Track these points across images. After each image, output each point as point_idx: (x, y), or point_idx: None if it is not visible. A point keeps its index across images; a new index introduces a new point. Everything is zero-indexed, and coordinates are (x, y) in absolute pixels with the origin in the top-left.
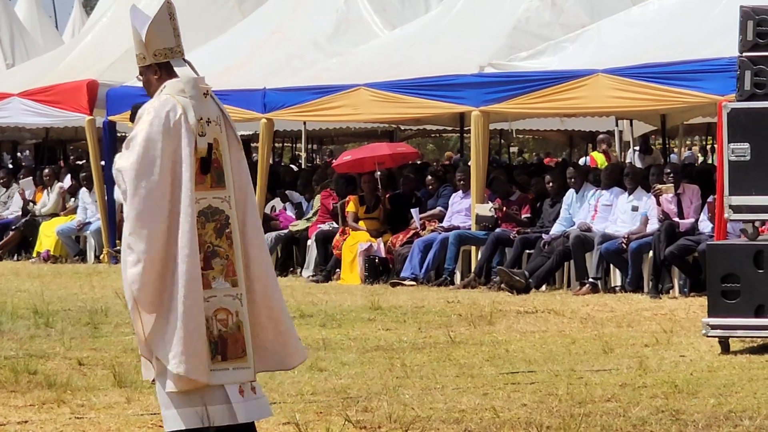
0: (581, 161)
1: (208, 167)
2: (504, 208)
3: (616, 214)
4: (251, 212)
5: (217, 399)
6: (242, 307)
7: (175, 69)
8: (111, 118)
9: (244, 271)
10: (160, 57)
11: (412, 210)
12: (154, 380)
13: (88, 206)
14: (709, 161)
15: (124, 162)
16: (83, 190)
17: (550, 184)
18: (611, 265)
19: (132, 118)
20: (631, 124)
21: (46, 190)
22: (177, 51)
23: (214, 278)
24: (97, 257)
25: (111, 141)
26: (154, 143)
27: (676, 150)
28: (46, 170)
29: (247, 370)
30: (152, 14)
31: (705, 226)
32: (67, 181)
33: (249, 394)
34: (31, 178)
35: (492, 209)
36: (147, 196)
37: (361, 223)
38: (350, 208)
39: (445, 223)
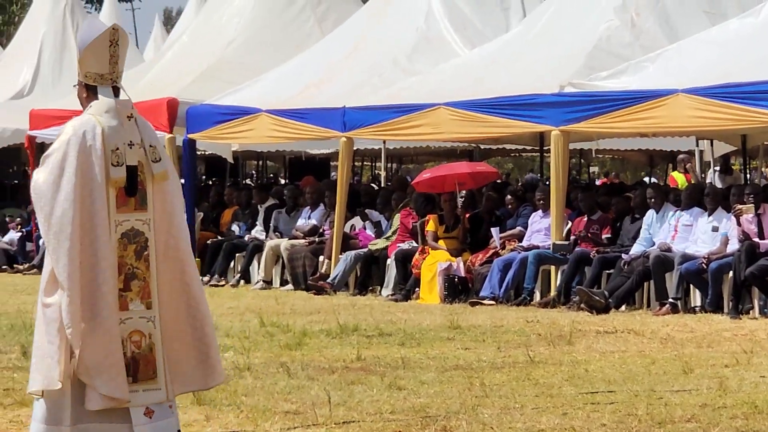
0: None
1: (134, 190)
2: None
3: (696, 234)
4: (175, 235)
5: (118, 419)
6: (155, 329)
7: (99, 95)
8: (191, 136)
9: (159, 294)
10: (89, 79)
11: (492, 229)
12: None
13: None
14: None
15: (39, 179)
16: None
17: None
18: (691, 286)
19: None
20: (712, 144)
21: None
22: (107, 78)
23: (132, 300)
24: None
25: (191, 159)
26: (69, 163)
27: (756, 170)
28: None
29: (157, 391)
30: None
31: None
32: None
33: (162, 413)
34: None
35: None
36: (62, 215)
37: (441, 243)
38: (430, 227)
39: (524, 243)
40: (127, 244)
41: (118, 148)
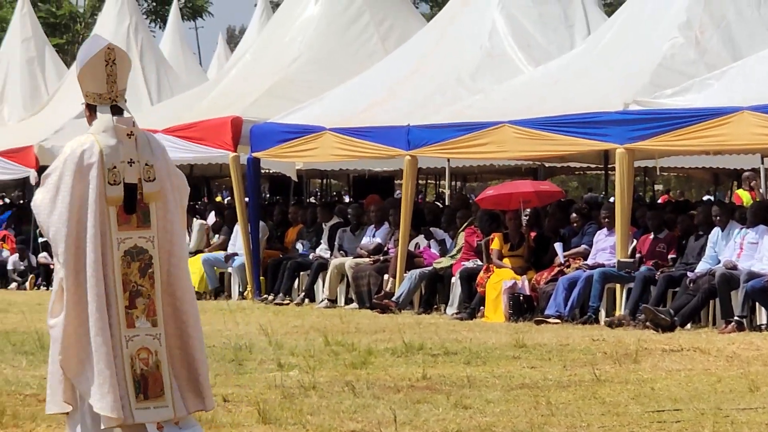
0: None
1: (133, 207)
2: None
3: (762, 252)
4: (177, 254)
5: None
6: (161, 346)
7: (98, 114)
8: (255, 154)
9: (165, 312)
10: (89, 99)
11: (556, 244)
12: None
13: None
14: None
15: (37, 198)
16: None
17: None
18: (757, 303)
19: None
20: None
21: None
22: (106, 97)
23: (137, 317)
24: (240, 293)
25: (255, 177)
26: (64, 182)
27: None
28: None
29: (165, 408)
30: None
31: None
32: (212, 218)
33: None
34: None
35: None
36: (56, 233)
37: (506, 261)
38: (495, 245)
39: (589, 261)
40: (130, 261)
41: (115, 167)
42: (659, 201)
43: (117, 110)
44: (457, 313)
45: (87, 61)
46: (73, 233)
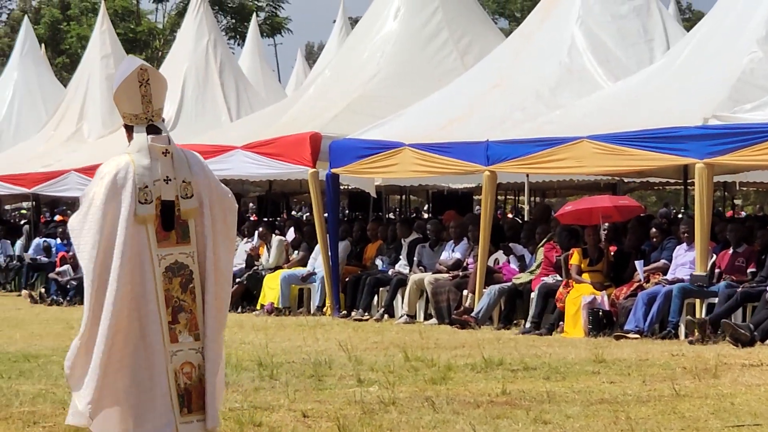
0: None
1: (171, 224)
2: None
3: None
4: (216, 268)
5: None
6: (203, 360)
7: (134, 135)
8: (334, 170)
9: (206, 325)
10: (126, 120)
11: (636, 263)
12: None
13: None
14: None
15: (72, 218)
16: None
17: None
18: None
19: None
20: None
21: (265, 245)
22: (142, 117)
23: (180, 332)
24: (319, 308)
25: (334, 193)
26: (96, 202)
27: None
28: (261, 227)
29: (202, 422)
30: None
31: None
32: (291, 234)
33: None
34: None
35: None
36: (84, 252)
37: (585, 276)
38: (574, 260)
39: (669, 276)
40: (171, 277)
41: (146, 186)
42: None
43: (154, 129)
44: (532, 328)
45: (121, 83)
46: (100, 255)
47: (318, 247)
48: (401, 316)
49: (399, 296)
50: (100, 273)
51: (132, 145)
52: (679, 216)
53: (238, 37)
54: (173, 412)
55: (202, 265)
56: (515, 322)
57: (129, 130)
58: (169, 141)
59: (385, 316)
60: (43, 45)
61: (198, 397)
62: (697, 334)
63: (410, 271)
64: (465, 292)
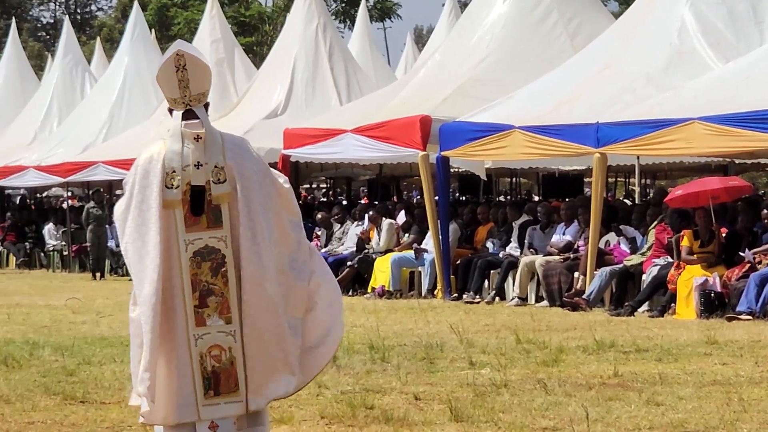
0: None
1: (200, 209)
2: None
3: None
4: (256, 250)
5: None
6: (236, 343)
7: (173, 118)
8: (444, 153)
9: (245, 308)
10: (168, 103)
11: (746, 253)
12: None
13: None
14: None
15: (116, 208)
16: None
17: None
18: None
19: None
20: None
21: (376, 228)
22: (180, 102)
23: (209, 315)
24: (430, 291)
25: (444, 176)
26: (133, 188)
27: None
28: (371, 211)
29: (239, 403)
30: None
31: None
32: (401, 217)
33: (227, 428)
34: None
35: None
36: (123, 241)
37: (696, 258)
38: (685, 242)
39: None
40: (200, 261)
41: (174, 171)
42: None
43: (191, 114)
44: (648, 310)
45: (160, 68)
46: (138, 241)
47: (430, 234)
48: (512, 299)
49: (510, 279)
50: (134, 258)
51: (170, 129)
52: None
53: (347, 21)
54: (195, 395)
55: (237, 250)
56: (626, 304)
57: (171, 113)
58: (202, 126)
59: (496, 298)
60: (152, 30)
61: (228, 380)
62: None
63: (521, 253)
64: (576, 274)
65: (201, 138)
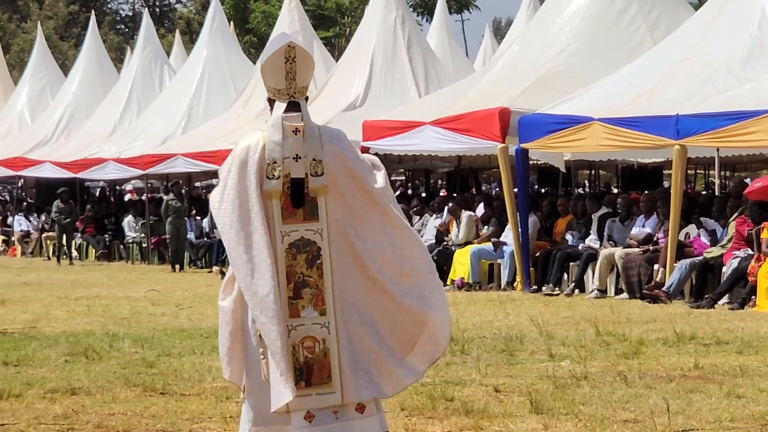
0: None
1: (300, 201)
2: None
3: None
4: (351, 242)
5: (275, 421)
6: (329, 334)
7: (274, 109)
8: (523, 145)
9: (341, 300)
10: (269, 93)
11: None
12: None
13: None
14: None
15: (212, 194)
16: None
17: None
18: None
19: None
20: None
21: (455, 220)
22: (284, 93)
23: (303, 307)
24: (510, 283)
25: (524, 169)
26: (231, 178)
27: None
28: (450, 203)
29: (332, 395)
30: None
31: None
32: (480, 210)
33: (323, 419)
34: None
35: None
36: (223, 226)
37: None
38: (765, 234)
39: None
40: (296, 253)
41: (275, 161)
42: None
43: (294, 106)
44: (728, 303)
45: (269, 57)
46: (237, 225)
47: (509, 227)
48: (592, 291)
49: (589, 271)
50: (238, 248)
51: (269, 120)
52: None
53: (426, 13)
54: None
55: (336, 242)
56: (706, 296)
57: (271, 104)
58: (302, 119)
59: (576, 290)
60: (231, 23)
61: (321, 371)
62: None
63: (600, 245)
64: (656, 266)
65: (300, 131)
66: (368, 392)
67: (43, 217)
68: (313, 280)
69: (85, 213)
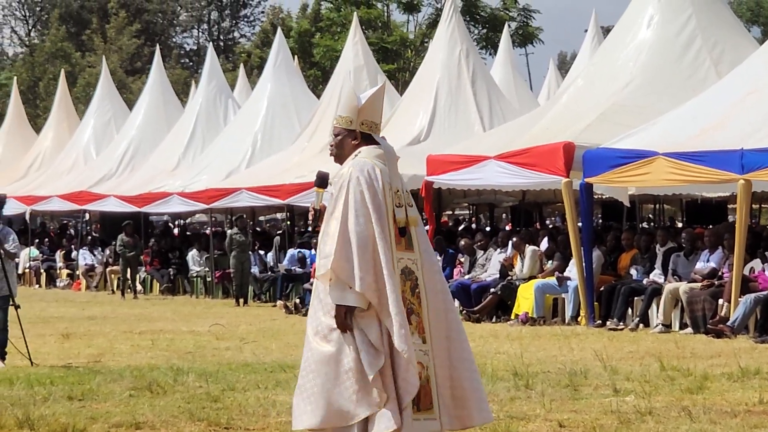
0: None
1: (404, 231)
2: None
3: None
4: (437, 277)
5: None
6: (430, 361)
7: (378, 140)
8: (588, 179)
9: (431, 330)
10: (365, 127)
11: None
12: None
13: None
14: None
15: (350, 225)
16: (559, 253)
17: None
18: None
19: (318, 184)
20: None
21: (519, 254)
22: (377, 127)
23: (412, 333)
24: (574, 318)
25: (588, 203)
26: (359, 205)
27: None
28: (515, 237)
29: (434, 421)
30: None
31: None
32: (544, 244)
33: None
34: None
35: None
36: (357, 252)
37: None
38: None
39: None
40: (405, 280)
41: (398, 190)
42: None
43: (375, 140)
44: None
45: (373, 93)
46: (375, 248)
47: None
48: (656, 326)
49: (654, 305)
50: (378, 269)
51: (366, 151)
52: None
53: (490, 47)
54: (409, 408)
55: (426, 272)
56: None
57: (364, 138)
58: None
59: (640, 325)
60: (295, 57)
61: (426, 397)
62: None
63: (665, 280)
64: (720, 301)
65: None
66: (459, 422)
67: (107, 251)
68: (416, 308)
69: (149, 247)
